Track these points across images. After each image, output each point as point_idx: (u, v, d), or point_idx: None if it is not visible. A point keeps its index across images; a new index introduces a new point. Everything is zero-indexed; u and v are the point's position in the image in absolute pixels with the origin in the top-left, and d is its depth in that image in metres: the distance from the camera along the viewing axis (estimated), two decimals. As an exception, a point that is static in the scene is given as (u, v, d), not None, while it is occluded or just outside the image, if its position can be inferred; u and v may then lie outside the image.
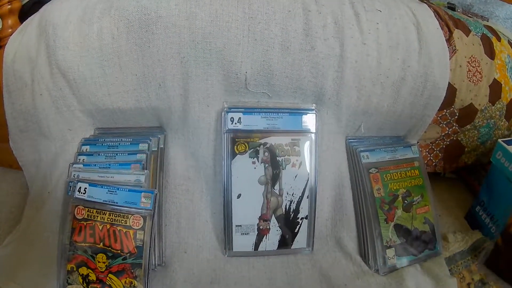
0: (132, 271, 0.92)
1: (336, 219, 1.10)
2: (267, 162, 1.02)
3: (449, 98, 1.10)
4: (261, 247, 1.04)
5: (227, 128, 1.01)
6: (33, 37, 1.01)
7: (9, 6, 1.07)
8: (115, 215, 0.94)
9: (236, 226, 1.03)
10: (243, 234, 1.03)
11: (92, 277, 0.93)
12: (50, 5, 1.04)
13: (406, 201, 1.09)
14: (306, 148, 1.04)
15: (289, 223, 1.04)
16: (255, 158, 1.02)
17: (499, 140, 1.10)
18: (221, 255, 1.04)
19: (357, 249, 1.09)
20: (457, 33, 1.12)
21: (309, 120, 1.04)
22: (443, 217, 1.24)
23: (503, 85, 1.17)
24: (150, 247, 0.93)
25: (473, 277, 1.10)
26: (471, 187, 1.38)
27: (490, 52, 1.17)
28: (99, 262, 0.93)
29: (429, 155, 1.23)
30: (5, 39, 1.05)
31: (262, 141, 1.02)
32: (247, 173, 1.02)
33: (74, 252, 0.93)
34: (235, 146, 1.01)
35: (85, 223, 0.93)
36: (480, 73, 1.13)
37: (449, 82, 1.07)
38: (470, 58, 1.12)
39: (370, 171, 1.08)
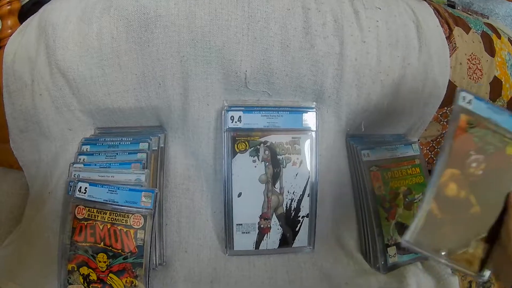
0: (133, 270, 0.92)
1: (336, 217, 1.09)
2: (268, 161, 1.01)
3: (450, 96, 1.08)
4: (262, 246, 1.03)
5: (227, 127, 1.00)
6: (32, 37, 1.00)
7: (8, 7, 1.06)
8: (116, 215, 0.93)
9: (237, 225, 1.02)
10: (244, 233, 1.02)
11: (93, 276, 0.92)
12: (50, 5, 1.03)
13: (407, 199, 1.09)
14: (307, 146, 1.03)
15: (290, 222, 1.04)
16: (256, 157, 1.01)
17: None
18: (221, 254, 1.04)
19: (358, 248, 1.08)
20: (457, 30, 1.11)
21: (309, 118, 1.03)
22: None
23: (503, 82, 1.16)
24: (150, 246, 0.92)
25: None
26: None
27: (491, 50, 1.16)
28: (99, 261, 0.92)
29: (430, 153, 1.22)
30: (5, 40, 1.04)
31: (263, 139, 1.01)
32: (247, 171, 1.01)
33: (75, 252, 0.93)
34: (236, 145, 1.00)
35: (85, 223, 0.93)
36: (480, 71, 1.12)
37: (449, 80, 1.07)
38: (471, 55, 1.12)
39: (370, 169, 1.07)
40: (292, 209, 1.04)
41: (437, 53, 1.06)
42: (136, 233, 0.93)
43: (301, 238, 1.05)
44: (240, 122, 1.00)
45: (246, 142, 1.01)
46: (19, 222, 1.09)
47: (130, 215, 0.93)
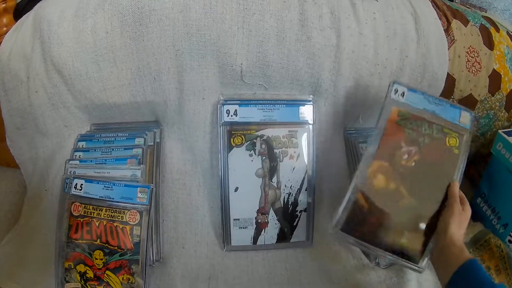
0: (130, 267, 0.89)
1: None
2: (264, 155, 0.99)
3: (448, 89, 1.07)
4: (260, 241, 1.01)
5: (223, 121, 0.98)
6: (28, 34, 0.99)
7: (3, 5, 1.05)
8: (112, 211, 0.90)
9: (234, 220, 1.00)
10: (241, 228, 1.00)
11: (90, 274, 0.90)
12: (45, 2, 1.02)
13: None
14: (304, 139, 1.01)
15: (288, 216, 1.02)
16: (252, 151, 0.99)
17: (500, 131, 1.07)
18: (219, 250, 1.02)
19: (357, 242, 1.05)
20: (455, 23, 1.09)
21: (307, 112, 1.01)
22: None
23: (502, 76, 1.13)
24: (147, 242, 0.90)
25: None
26: (471, 179, 1.33)
27: (489, 43, 1.14)
28: (96, 259, 0.90)
29: None
30: (1, 38, 1.03)
31: (259, 133, 0.99)
32: (244, 166, 0.99)
33: (72, 250, 0.90)
34: (232, 139, 0.98)
35: (81, 220, 0.90)
36: (479, 64, 1.09)
37: (448, 73, 1.05)
38: (469, 48, 1.09)
39: (369, 162, 1.04)
40: (290, 203, 1.01)
41: (435, 46, 1.04)
42: (132, 230, 0.90)
43: (299, 232, 1.03)
44: (236, 116, 0.98)
45: (242, 136, 0.98)
46: (17, 220, 1.07)
47: (126, 211, 0.90)
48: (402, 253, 0.89)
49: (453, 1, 1.30)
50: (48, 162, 1.05)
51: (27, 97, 0.99)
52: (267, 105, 0.99)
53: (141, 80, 0.98)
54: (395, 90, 0.93)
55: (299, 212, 1.01)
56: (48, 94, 0.99)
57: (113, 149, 0.99)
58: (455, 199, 0.87)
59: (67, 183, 0.92)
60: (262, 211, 1.00)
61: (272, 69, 0.98)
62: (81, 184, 0.92)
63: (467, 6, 1.31)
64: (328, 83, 1.00)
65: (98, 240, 0.89)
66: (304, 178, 1.01)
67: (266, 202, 1.00)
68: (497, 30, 1.19)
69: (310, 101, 1.01)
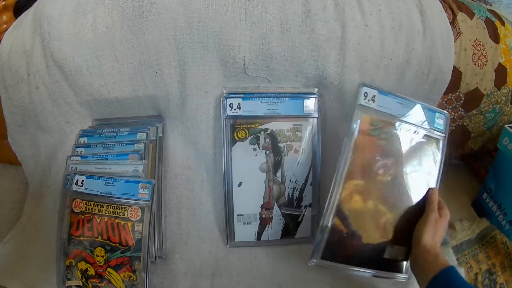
0: (131, 264, 0.86)
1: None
2: (268, 149, 0.96)
3: (455, 82, 1.03)
4: (264, 237, 0.98)
5: (226, 115, 0.94)
6: (28, 31, 0.96)
7: (3, 2, 1.03)
8: (113, 208, 0.87)
9: (237, 215, 0.96)
10: (245, 223, 0.97)
11: (91, 271, 0.87)
12: (45, -1, 0.99)
13: None
14: (309, 133, 0.97)
15: (293, 211, 0.98)
16: (256, 145, 0.96)
17: (506, 125, 1.05)
18: (223, 246, 0.99)
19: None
20: (461, 16, 1.05)
21: (311, 105, 0.97)
22: (449, 204, 1.13)
23: (508, 70, 1.10)
24: (149, 239, 0.87)
25: (481, 267, 1.05)
26: (477, 174, 1.32)
27: (495, 36, 1.10)
28: (97, 256, 0.87)
29: None
30: (1, 35, 1.00)
31: (263, 127, 0.96)
32: (247, 160, 0.95)
33: (73, 247, 0.87)
34: (235, 133, 0.95)
35: (83, 217, 0.87)
36: (485, 57, 1.06)
37: (454, 66, 1.01)
38: (475, 41, 1.06)
39: (375, 157, 1.00)
40: (295, 198, 0.98)
41: (441, 38, 1.00)
42: (134, 226, 0.87)
43: (304, 228, 0.99)
44: (240, 110, 0.94)
45: (246, 130, 0.95)
46: (19, 218, 1.04)
47: (128, 207, 0.87)
48: (387, 266, 0.86)
49: (458, -6, 1.27)
50: (49, 159, 1.02)
51: (28, 94, 0.96)
52: (271, 98, 0.95)
53: (142, 74, 0.95)
54: (364, 94, 0.85)
55: (304, 207, 0.98)
56: (49, 90, 0.96)
57: (114, 145, 0.96)
58: (432, 207, 0.85)
59: (68, 180, 0.90)
60: (266, 207, 0.97)
61: (276, 61, 0.94)
62: (82, 181, 0.89)
63: (472, -1, 1.27)
64: (333, 75, 0.97)
65: (100, 237, 0.86)
66: (309, 172, 0.97)
67: (270, 197, 0.97)
68: (503, 23, 1.15)
69: (315, 94, 0.98)
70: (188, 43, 0.92)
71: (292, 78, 0.97)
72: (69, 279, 0.87)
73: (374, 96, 0.85)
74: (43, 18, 0.93)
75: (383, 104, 0.86)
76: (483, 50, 1.06)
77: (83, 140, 0.99)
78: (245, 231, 0.97)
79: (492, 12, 1.17)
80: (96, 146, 0.97)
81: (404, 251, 0.86)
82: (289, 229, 0.98)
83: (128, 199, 0.87)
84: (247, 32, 0.92)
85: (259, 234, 0.98)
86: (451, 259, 1.01)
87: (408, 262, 0.87)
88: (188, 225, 0.98)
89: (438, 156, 0.89)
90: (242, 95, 0.95)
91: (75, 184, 0.88)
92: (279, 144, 0.96)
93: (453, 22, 1.03)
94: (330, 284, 0.93)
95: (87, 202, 0.88)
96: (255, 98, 0.95)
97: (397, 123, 0.86)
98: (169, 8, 0.90)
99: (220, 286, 0.92)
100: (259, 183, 0.96)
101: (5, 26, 1.03)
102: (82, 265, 0.87)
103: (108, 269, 0.86)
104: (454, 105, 1.09)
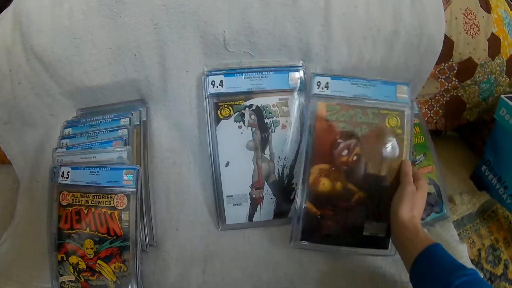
0: (121, 255, 0.83)
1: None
2: (254, 126, 0.91)
3: (447, 51, 0.99)
4: (256, 218, 0.93)
5: (208, 93, 0.90)
6: (8, 27, 0.93)
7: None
8: (99, 197, 0.84)
9: (227, 196, 0.92)
10: (236, 204, 0.92)
11: (82, 265, 0.84)
12: (23, -6, 0.96)
13: None
14: (296, 108, 0.92)
15: (284, 190, 0.93)
16: (241, 122, 0.91)
17: (502, 96, 1.01)
18: (214, 230, 0.94)
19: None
20: (449, -16, 1.01)
21: (297, 78, 0.92)
22: (448, 178, 1.12)
23: (501, 40, 1.07)
24: (136, 227, 0.83)
25: (484, 242, 1.00)
26: (474, 146, 1.27)
27: (486, 6, 1.07)
28: (87, 248, 0.84)
29: (429, 112, 1.12)
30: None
31: (247, 103, 0.91)
32: (233, 139, 0.91)
33: (63, 241, 0.84)
34: (219, 111, 0.90)
35: (70, 209, 0.84)
36: (477, 26, 1.03)
37: (445, 35, 0.97)
38: (466, 10, 1.02)
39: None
40: (285, 176, 0.93)
41: (430, 6, 0.95)
42: (121, 215, 0.83)
43: (298, 206, 0.93)
44: (222, 87, 0.90)
45: (230, 108, 0.90)
46: (13, 217, 1.01)
47: (114, 195, 0.83)
48: (370, 243, 0.86)
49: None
50: (37, 154, 1.00)
51: (11, 90, 0.94)
52: (254, 73, 0.90)
53: (121, 58, 0.91)
54: (317, 83, 0.86)
55: (296, 185, 0.92)
56: (31, 84, 0.94)
57: (99, 133, 0.93)
58: (407, 179, 0.80)
59: (54, 172, 0.87)
60: (256, 186, 0.92)
61: (258, 35, 0.90)
62: (68, 172, 0.86)
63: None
64: (318, 47, 0.92)
65: (88, 228, 0.83)
66: (298, 148, 0.92)
67: (259, 176, 0.92)
68: (493, -7, 1.11)
69: (300, 67, 0.92)
70: (165, 23, 0.88)
71: (276, 52, 0.92)
72: (62, 275, 0.84)
73: (327, 83, 0.87)
74: (22, 13, 0.91)
75: (337, 88, 0.87)
76: (475, 19, 1.03)
77: (68, 131, 0.96)
78: (236, 213, 0.93)
79: (482, -20, 1.13)
80: (81, 136, 0.93)
81: (384, 227, 0.85)
82: (282, 209, 0.93)
83: (113, 187, 0.84)
84: (225, 7, 0.87)
85: (251, 215, 0.93)
86: (452, 234, 0.96)
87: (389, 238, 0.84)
88: (177, 210, 0.94)
89: (405, 129, 0.86)
90: (224, 71, 0.90)
91: (61, 176, 0.85)
92: (265, 120, 0.91)
93: (442, -10, 0.98)
94: (327, 264, 0.89)
95: (74, 193, 0.85)
96: (237, 74, 0.90)
97: (355, 104, 0.86)
98: (144, -11, 0.86)
99: (212, 271, 0.88)
100: (247, 162, 0.91)
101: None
102: (73, 259, 0.84)
103: (99, 261, 0.83)
104: (447, 75, 1.05)
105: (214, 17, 0.88)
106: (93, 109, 0.99)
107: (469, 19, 1.01)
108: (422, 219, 0.95)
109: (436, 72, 1.04)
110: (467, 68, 1.04)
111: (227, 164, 0.91)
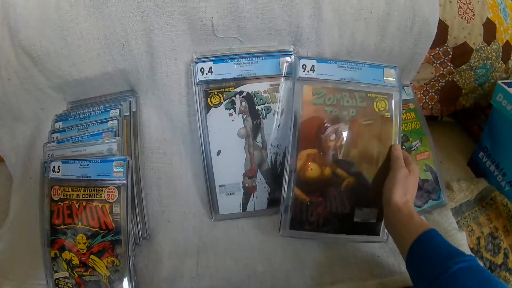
0: (113, 249, 0.80)
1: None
2: (245, 113, 0.88)
3: (441, 35, 0.97)
4: (250, 207, 0.91)
5: (197, 80, 0.87)
6: (-4, 23, 0.92)
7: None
8: (90, 190, 0.82)
9: (219, 186, 0.89)
10: (228, 194, 0.90)
11: (75, 261, 0.81)
12: (10, -11, 0.94)
13: (404, 147, 0.95)
14: (287, 93, 0.89)
15: (277, 178, 0.90)
16: (232, 109, 0.88)
17: (499, 81, 0.99)
18: (207, 220, 0.92)
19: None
20: (443, -33, 0.99)
21: (288, 63, 0.89)
22: (445, 164, 1.10)
23: (497, 25, 1.05)
24: (127, 220, 0.80)
25: (483, 230, 0.97)
26: (470, 132, 1.24)
27: None
28: (79, 243, 0.81)
29: (424, 97, 1.09)
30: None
31: (238, 89, 0.88)
32: (224, 127, 0.88)
33: (56, 237, 0.82)
34: (209, 99, 0.87)
35: (62, 204, 0.82)
36: (472, 11, 1.00)
37: (439, 19, 0.94)
38: (460, -6, 1.00)
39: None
40: (278, 163, 0.90)
41: (422, -12, 0.92)
42: (112, 208, 0.81)
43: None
44: (212, 74, 0.87)
45: (220, 95, 0.87)
46: (8, 215, 1.00)
47: (104, 188, 0.81)
48: (361, 230, 0.84)
49: None
50: (29, 149, 0.98)
51: (1, 87, 0.92)
52: (244, 59, 0.87)
53: (109, 48, 0.88)
54: (303, 66, 0.83)
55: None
56: (20, 79, 0.91)
57: (89, 125, 0.91)
58: (398, 163, 0.78)
59: (45, 167, 0.85)
60: (248, 175, 0.89)
61: (246, 20, 0.87)
62: (59, 166, 0.84)
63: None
64: (309, 31, 0.89)
65: (80, 223, 0.81)
66: (291, 135, 0.88)
67: (252, 164, 0.89)
68: (488, -22, 1.08)
69: (291, 51, 0.89)
70: (152, 11, 0.85)
71: (265, 36, 0.89)
72: (56, 271, 0.82)
73: (313, 66, 0.84)
74: (10, 8, 0.88)
75: (323, 71, 0.84)
76: (470, 4, 1.01)
77: (58, 125, 0.94)
78: (229, 203, 0.90)
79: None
80: (71, 129, 0.92)
81: (374, 213, 0.83)
82: (276, 197, 0.90)
83: (104, 179, 0.81)
84: (212, -8, 0.85)
85: (244, 205, 0.90)
86: (450, 222, 0.93)
87: (383, 223, 0.82)
88: (169, 202, 0.92)
89: (394, 113, 0.84)
90: (213, 58, 0.87)
91: (52, 170, 0.83)
92: (256, 107, 0.88)
93: (435, -27, 0.96)
94: (323, 253, 0.86)
95: (65, 188, 0.83)
96: (227, 61, 0.87)
97: (342, 87, 0.84)
98: (130, -23, 0.84)
99: (206, 263, 0.85)
100: (239, 150, 0.89)
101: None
102: (67, 255, 0.82)
103: (92, 256, 0.81)
104: (442, 60, 1.03)
105: (201, 2, 0.85)
106: (83, 101, 0.97)
107: (464, 3, 0.99)
108: (419, 206, 0.93)
109: (431, 56, 1.01)
110: (463, 53, 1.01)
111: (218, 153, 0.88)
